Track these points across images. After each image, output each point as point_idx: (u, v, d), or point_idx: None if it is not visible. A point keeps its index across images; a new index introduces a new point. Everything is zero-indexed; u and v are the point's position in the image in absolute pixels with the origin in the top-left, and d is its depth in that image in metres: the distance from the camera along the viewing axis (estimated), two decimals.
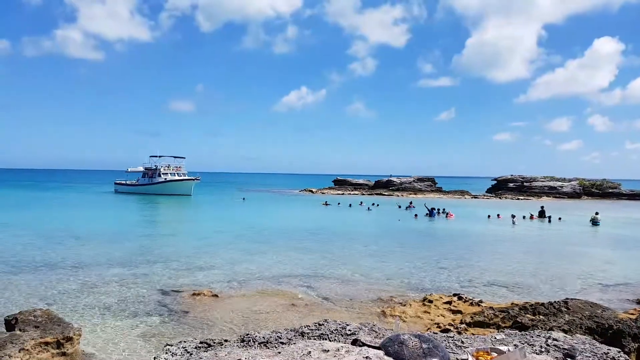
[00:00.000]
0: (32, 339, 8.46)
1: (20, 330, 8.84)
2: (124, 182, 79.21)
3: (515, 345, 5.07)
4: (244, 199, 63.89)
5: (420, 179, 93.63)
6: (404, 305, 13.14)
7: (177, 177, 71.21)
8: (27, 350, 8.26)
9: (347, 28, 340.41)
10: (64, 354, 8.71)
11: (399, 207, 54.73)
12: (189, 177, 71.39)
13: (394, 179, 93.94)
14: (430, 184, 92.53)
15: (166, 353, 5.38)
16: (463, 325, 10.42)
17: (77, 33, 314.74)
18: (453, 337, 5.75)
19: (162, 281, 16.06)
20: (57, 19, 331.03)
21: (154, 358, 5.47)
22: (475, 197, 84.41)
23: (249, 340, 5.44)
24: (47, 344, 8.60)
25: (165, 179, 70.64)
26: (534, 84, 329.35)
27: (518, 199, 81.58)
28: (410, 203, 55.80)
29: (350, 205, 57.17)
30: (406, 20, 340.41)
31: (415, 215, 44.96)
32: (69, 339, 8.82)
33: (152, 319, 11.86)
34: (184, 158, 76.19)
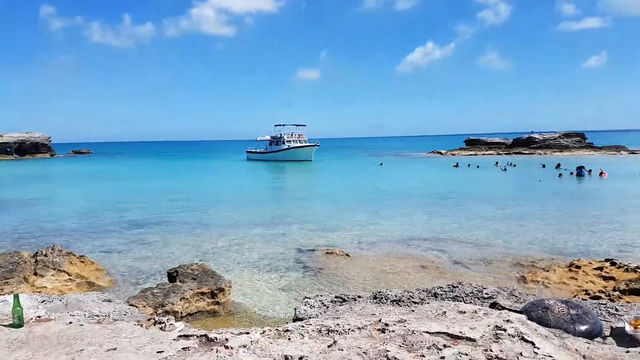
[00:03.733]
0: (191, 289, 9.63)
1: (180, 281, 10.12)
2: (254, 150, 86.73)
3: None
4: (381, 164, 63.75)
5: (567, 135, 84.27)
6: (547, 270, 12.21)
7: (298, 144, 76.00)
8: (187, 299, 9.45)
9: None
10: (217, 302, 9.79)
11: (543, 166, 50.28)
12: (310, 144, 75.74)
13: (536, 135, 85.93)
14: (579, 140, 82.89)
15: (305, 305, 5.73)
16: (616, 293, 9.39)
17: (210, 10, 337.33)
18: (605, 304, 5.20)
19: (298, 240, 17.07)
20: None
21: (295, 309, 5.87)
22: (633, 152, 73.89)
23: (382, 298, 5.53)
24: (203, 294, 9.74)
25: (289, 146, 75.71)
26: None
27: None
28: (559, 165, 49.30)
29: (477, 166, 54.09)
30: None
31: (560, 174, 40.98)
32: (221, 290, 9.87)
33: (291, 274, 12.72)
34: (305, 126, 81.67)
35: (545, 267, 12.67)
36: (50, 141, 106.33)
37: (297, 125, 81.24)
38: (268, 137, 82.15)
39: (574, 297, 9.77)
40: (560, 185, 34.75)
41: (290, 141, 76.61)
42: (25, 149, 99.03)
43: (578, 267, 11.83)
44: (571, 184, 35.56)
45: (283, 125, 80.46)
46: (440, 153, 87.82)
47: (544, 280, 11.31)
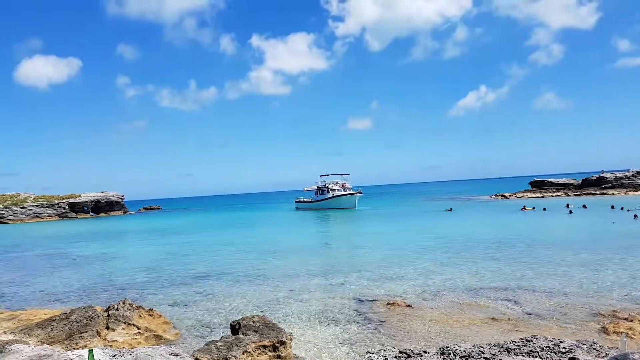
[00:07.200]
0: (253, 342, 9.61)
1: (243, 334, 10.14)
2: (302, 199, 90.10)
3: None
4: (450, 209, 61.78)
5: None
6: (631, 321, 11.19)
7: (342, 192, 78.34)
8: (249, 352, 9.41)
9: (522, 19, 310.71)
10: (278, 357, 9.68)
11: (612, 207, 47.32)
12: (353, 192, 77.78)
13: (607, 174, 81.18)
14: None
15: None
16: None
17: (266, 72, 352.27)
18: None
19: (357, 290, 16.75)
20: (249, 62, 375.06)
21: None
22: None
23: (449, 354, 5.27)
24: (264, 347, 9.68)
25: (333, 194, 78.34)
26: None
27: None
28: None
29: (544, 209, 52.50)
30: None
31: (635, 215, 38.20)
32: (283, 343, 9.78)
33: (352, 327, 12.42)
34: (349, 174, 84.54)
35: (628, 317, 11.63)
36: (124, 199, 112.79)
37: (341, 175, 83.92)
38: (314, 187, 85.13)
39: None
40: (636, 227, 32.28)
41: (334, 190, 79.10)
42: (100, 207, 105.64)
43: None
44: None
45: (327, 175, 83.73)
46: (505, 196, 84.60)
47: (628, 331, 10.35)
